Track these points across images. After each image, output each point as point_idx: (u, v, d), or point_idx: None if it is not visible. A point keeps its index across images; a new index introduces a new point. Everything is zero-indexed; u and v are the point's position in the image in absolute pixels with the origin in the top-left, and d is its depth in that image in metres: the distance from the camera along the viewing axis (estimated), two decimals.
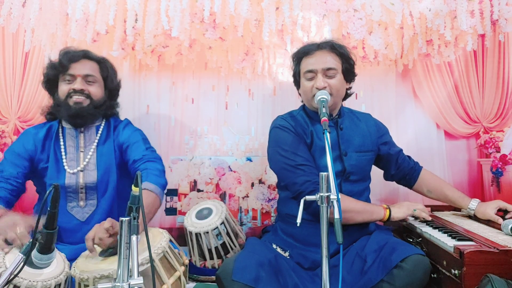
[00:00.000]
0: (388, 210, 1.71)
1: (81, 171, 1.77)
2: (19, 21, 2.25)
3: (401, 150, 1.98)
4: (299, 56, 1.82)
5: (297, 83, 1.87)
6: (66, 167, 1.76)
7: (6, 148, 1.95)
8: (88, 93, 1.79)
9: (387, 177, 2.01)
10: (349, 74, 1.81)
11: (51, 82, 1.83)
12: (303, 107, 1.89)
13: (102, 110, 1.85)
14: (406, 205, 1.79)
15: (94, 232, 1.43)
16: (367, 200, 1.85)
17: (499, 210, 1.79)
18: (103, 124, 1.88)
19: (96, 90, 1.82)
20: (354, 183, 1.78)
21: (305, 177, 1.65)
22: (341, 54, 1.77)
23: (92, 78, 1.81)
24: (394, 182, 2.06)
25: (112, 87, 1.90)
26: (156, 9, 2.20)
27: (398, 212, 1.73)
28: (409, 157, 2.00)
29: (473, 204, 1.85)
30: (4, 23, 2.25)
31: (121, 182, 1.84)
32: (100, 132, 1.85)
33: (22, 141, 1.79)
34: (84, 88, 1.78)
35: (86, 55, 1.82)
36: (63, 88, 1.79)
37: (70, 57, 1.78)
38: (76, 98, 1.76)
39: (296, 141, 1.73)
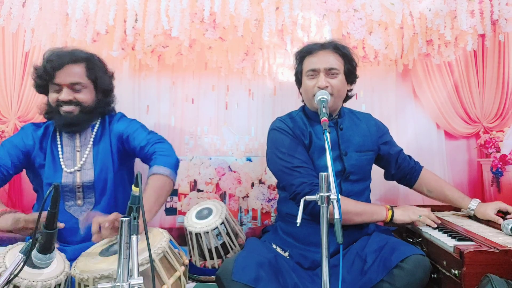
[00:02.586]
0: (390, 212, 1.69)
1: (78, 170, 1.77)
2: (19, 21, 2.25)
3: (402, 150, 1.98)
4: (302, 55, 1.82)
5: (298, 82, 1.87)
6: (63, 166, 1.76)
7: None
8: (76, 101, 1.74)
9: (387, 176, 2.02)
10: (350, 75, 1.82)
11: (42, 86, 1.79)
12: (303, 108, 1.89)
13: (97, 112, 1.82)
14: (412, 210, 1.74)
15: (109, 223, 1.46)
16: (367, 200, 1.85)
17: (499, 211, 1.78)
18: (98, 123, 1.86)
19: (85, 96, 1.76)
20: (354, 183, 1.78)
21: (301, 178, 1.65)
22: (344, 55, 1.78)
23: (79, 86, 1.74)
24: (394, 182, 2.06)
25: (104, 86, 1.83)
26: (156, 9, 2.20)
27: (402, 215, 1.70)
28: (409, 156, 2.00)
29: (473, 204, 1.85)
30: (4, 23, 2.25)
31: (119, 178, 1.84)
32: (95, 130, 1.84)
33: (21, 135, 1.79)
34: (71, 98, 1.73)
35: (71, 59, 1.73)
36: (52, 97, 1.75)
37: (53, 65, 1.69)
38: (65, 108, 1.73)
39: (294, 143, 1.74)
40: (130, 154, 1.86)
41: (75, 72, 1.74)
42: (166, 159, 1.70)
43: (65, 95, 1.72)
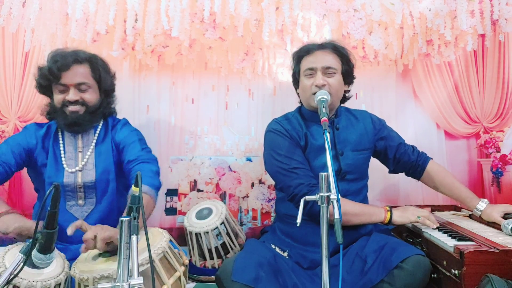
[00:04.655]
0: (389, 213, 1.68)
1: (80, 170, 1.77)
2: (19, 21, 2.25)
3: (401, 143, 1.92)
4: (299, 55, 1.82)
5: (296, 82, 1.87)
6: (65, 166, 1.77)
7: None
8: (83, 101, 1.76)
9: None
10: (348, 76, 1.82)
11: (44, 88, 1.79)
12: (299, 108, 1.89)
13: (100, 113, 1.83)
14: (411, 211, 1.73)
15: (94, 233, 1.42)
16: (365, 198, 1.85)
17: (506, 213, 1.72)
18: (101, 124, 1.87)
19: (91, 96, 1.78)
20: (351, 182, 1.77)
21: (298, 180, 1.65)
22: (342, 55, 1.78)
23: (85, 86, 1.76)
24: (394, 180, 2.04)
25: (106, 87, 1.85)
26: (156, 9, 2.20)
27: (401, 217, 1.69)
28: (413, 148, 1.92)
29: (481, 205, 1.78)
30: (4, 23, 2.25)
31: (120, 180, 1.84)
32: (98, 132, 1.85)
33: (25, 133, 1.80)
34: (78, 98, 1.74)
35: (76, 60, 1.74)
36: (58, 97, 1.76)
37: (59, 66, 1.71)
38: (71, 108, 1.74)
39: (290, 145, 1.74)
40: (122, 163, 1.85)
41: (81, 73, 1.76)
42: (149, 180, 1.66)
43: (72, 95, 1.73)
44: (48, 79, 1.74)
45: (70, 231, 1.41)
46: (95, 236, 1.40)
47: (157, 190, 1.70)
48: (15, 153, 1.72)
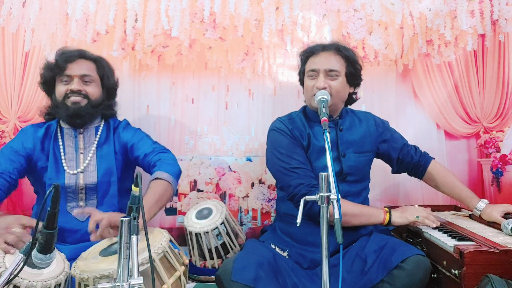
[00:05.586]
0: (388, 214, 1.68)
1: (81, 172, 1.77)
2: (19, 21, 2.25)
3: (405, 144, 1.93)
4: (306, 55, 1.83)
5: (301, 82, 1.87)
6: (65, 167, 1.76)
7: None
8: (85, 93, 1.78)
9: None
10: (353, 78, 1.80)
11: (48, 83, 1.82)
12: (304, 108, 1.89)
13: (100, 110, 1.85)
14: (410, 211, 1.72)
15: (108, 222, 1.46)
16: (365, 200, 1.85)
17: (507, 213, 1.73)
18: (102, 125, 1.88)
19: (94, 90, 1.81)
20: (352, 184, 1.77)
21: (299, 180, 1.66)
22: (346, 57, 1.77)
23: (89, 78, 1.80)
24: (394, 180, 2.04)
25: (109, 85, 1.89)
26: (156, 9, 2.20)
27: (400, 217, 1.69)
28: (415, 149, 1.94)
29: (481, 205, 1.79)
30: (4, 23, 2.25)
31: (122, 182, 1.84)
32: (99, 133, 1.85)
33: (21, 138, 1.79)
34: (81, 89, 1.77)
35: (82, 55, 1.81)
36: (61, 89, 1.78)
37: (66, 57, 1.76)
38: (73, 98, 1.76)
39: (292, 144, 1.74)
40: (132, 162, 1.88)
41: (86, 66, 1.81)
42: (170, 167, 1.74)
43: (76, 85, 1.77)
44: (53, 71, 1.77)
45: (91, 226, 1.45)
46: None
47: (177, 176, 1.77)
48: (14, 162, 1.71)
